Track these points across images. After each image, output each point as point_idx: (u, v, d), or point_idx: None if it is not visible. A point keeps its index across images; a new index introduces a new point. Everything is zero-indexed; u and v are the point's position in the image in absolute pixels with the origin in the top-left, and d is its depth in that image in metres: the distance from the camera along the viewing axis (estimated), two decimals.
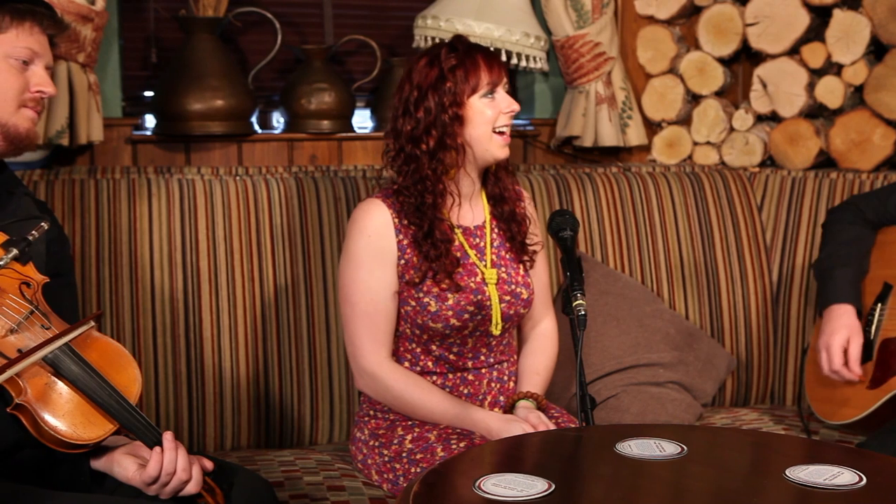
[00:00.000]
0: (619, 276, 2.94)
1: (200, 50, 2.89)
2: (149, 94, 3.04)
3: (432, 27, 3.03)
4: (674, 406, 2.74)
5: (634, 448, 1.76)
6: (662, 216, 3.06)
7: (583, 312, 2.00)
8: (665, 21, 3.33)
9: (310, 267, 2.69)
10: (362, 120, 3.24)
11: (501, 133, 2.27)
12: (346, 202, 2.75)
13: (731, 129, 3.31)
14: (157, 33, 3.06)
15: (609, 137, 3.23)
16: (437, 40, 2.99)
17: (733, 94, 3.43)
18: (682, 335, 2.90)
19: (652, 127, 3.37)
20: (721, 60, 3.30)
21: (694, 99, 3.35)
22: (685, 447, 1.77)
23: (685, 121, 3.36)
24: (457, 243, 2.29)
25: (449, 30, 2.99)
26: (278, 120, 3.18)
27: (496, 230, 2.36)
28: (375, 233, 2.25)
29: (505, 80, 2.28)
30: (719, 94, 3.34)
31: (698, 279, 3.05)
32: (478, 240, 2.33)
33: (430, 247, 2.23)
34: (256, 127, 3.05)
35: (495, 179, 2.35)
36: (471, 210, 2.34)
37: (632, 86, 3.30)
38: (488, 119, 2.25)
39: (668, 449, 1.76)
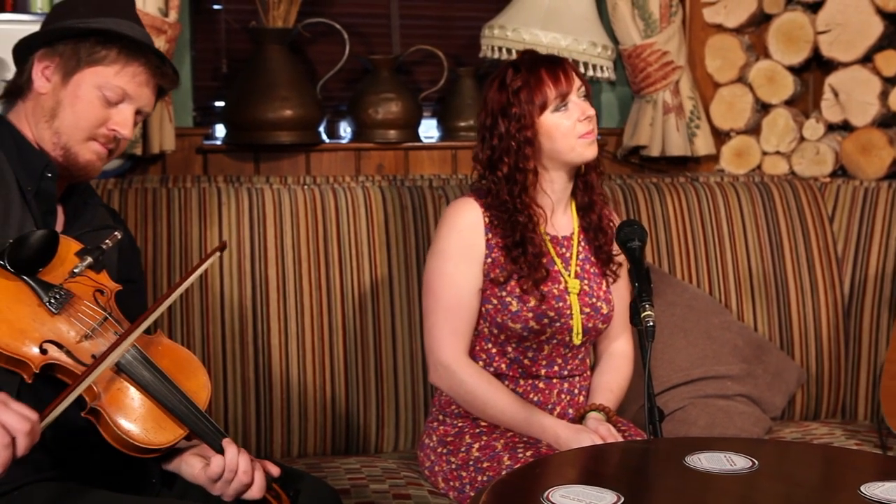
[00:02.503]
0: (687, 287, 2.91)
1: (270, 60, 2.93)
2: (219, 104, 3.09)
3: (499, 37, 3.03)
4: (742, 419, 2.70)
5: (704, 461, 1.74)
6: (731, 227, 3.03)
7: (651, 324, 1.99)
8: (734, 29, 3.29)
9: (376, 275, 2.70)
10: (429, 129, 3.26)
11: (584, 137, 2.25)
12: (413, 211, 2.76)
13: (802, 139, 3.27)
14: (228, 44, 3.11)
15: (677, 147, 3.21)
16: (503, 50, 3.00)
17: (804, 103, 3.38)
18: (750, 347, 2.86)
19: (720, 136, 3.33)
20: (791, 69, 3.26)
21: (763, 108, 3.31)
22: (756, 461, 1.74)
23: (754, 130, 3.31)
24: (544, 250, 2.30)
25: (516, 39, 2.99)
26: (346, 129, 3.20)
27: (583, 242, 2.35)
28: (465, 229, 2.27)
29: (578, 85, 2.26)
30: (789, 103, 3.30)
31: (767, 291, 3.00)
32: (564, 250, 2.33)
33: (520, 254, 2.24)
34: (324, 136, 3.07)
35: (584, 186, 2.34)
36: (560, 220, 2.34)
37: (700, 95, 3.27)
38: (566, 131, 2.24)
39: (738, 463, 1.74)
